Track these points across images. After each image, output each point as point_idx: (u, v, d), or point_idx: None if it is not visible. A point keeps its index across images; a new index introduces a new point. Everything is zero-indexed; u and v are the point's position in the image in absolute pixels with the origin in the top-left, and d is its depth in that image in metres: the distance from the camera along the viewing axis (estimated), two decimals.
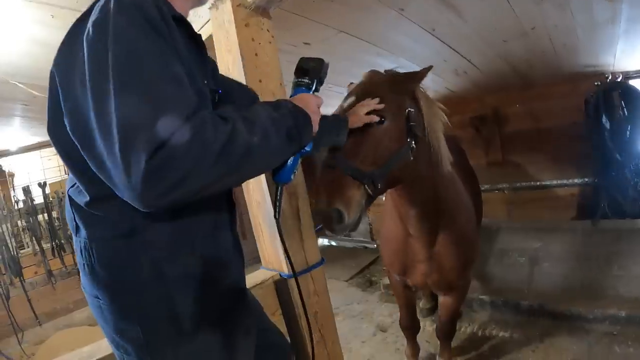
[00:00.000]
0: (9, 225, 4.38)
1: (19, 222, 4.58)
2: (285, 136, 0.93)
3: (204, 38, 1.69)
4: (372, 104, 1.52)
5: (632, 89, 3.74)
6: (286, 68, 3.07)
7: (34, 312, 4.32)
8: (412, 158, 1.60)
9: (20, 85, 2.97)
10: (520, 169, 4.58)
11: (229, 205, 1.09)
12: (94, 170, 0.81)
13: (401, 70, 1.77)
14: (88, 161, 0.82)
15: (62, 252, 4.60)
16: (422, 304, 3.57)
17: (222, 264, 1.03)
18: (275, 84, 1.68)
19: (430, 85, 4.16)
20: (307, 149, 1.09)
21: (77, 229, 0.95)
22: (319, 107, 1.10)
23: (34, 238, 4.53)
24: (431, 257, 2.13)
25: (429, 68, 1.67)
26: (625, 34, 2.93)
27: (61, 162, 4.98)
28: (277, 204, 1.17)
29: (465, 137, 4.76)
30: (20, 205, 4.53)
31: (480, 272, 3.82)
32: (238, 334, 1.05)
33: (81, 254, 0.94)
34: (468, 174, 2.86)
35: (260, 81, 1.61)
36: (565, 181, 4.23)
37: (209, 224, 1.00)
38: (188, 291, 0.94)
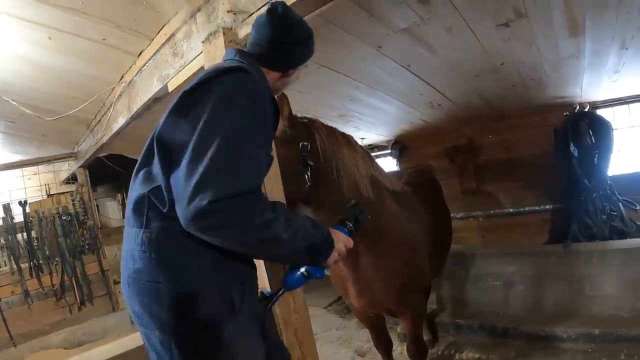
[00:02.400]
0: None
1: None
2: (306, 246, 1.17)
3: (195, 69, 1.86)
4: None
5: (599, 118, 3.98)
6: None
7: (8, 333, 4.23)
8: (309, 183, 1.85)
9: (12, 102, 3.00)
10: (494, 196, 4.77)
11: None
12: (166, 182, 1.08)
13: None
14: (162, 170, 1.09)
15: (40, 273, 4.53)
16: (399, 328, 3.63)
17: (253, 269, 1.26)
18: None
19: (406, 117, 4.35)
20: (319, 275, 1.29)
21: (148, 222, 1.12)
22: (345, 248, 1.33)
23: (12, 257, 4.45)
24: (359, 279, 2.22)
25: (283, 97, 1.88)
26: (591, 67, 3.16)
27: (43, 182, 4.98)
28: (275, 300, 1.34)
29: (440, 167, 4.95)
30: None
31: (456, 297, 3.93)
32: (264, 325, 1.27)
33: (148, 243, 1.11)
34: (432, 202, 2.96)
35: None
36: (536, 207, 4.43)
37: None
38: (238, 281, 1.17)
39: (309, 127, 1.94)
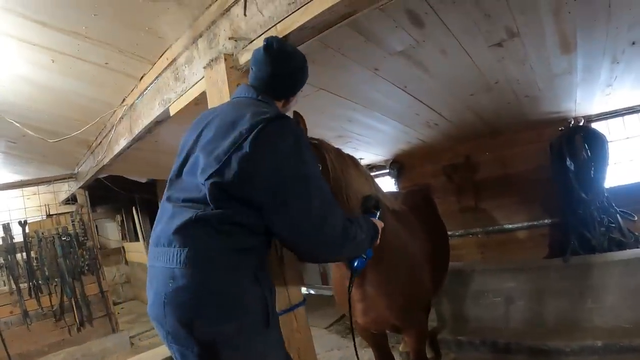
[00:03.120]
0: None
1: None
2: (370, 239, 1.51)
3: (197, 94, 1.92)
4: None
5: (594, 132, 4.03)
6: None
7: (7, 353, 4.22)
8: None
9: (16, 124, 3.02)
10: (492, 213, 4.80)
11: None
12: (272, 220, 1.25)
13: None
14: (269, 216, 1.25)
15: (39, 293, 4.53)
16: (401, 347, 3.61)
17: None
18: None
19: (403, 137, 4.40)
20: (370, 254, 1.63)
21: (192, 241, 1.21)
22: (381, 228, 1.64)
23: (11, 277, 4.45)
24: (363, 297, 2.24)
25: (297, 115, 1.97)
26: (584, 82, 3.22)
27: (42, 202, 4.99)
28: (350, 287, 1.74)
29: (438, 185, 5.01)
30: None
31: (457, 314, 3.92)
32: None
33: (191, 261, 1.19)
34: (429, 220, 3.01)
35: None
36: (535, 222, 4.45)
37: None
38: (271, 294, 1.31)
39: (319, 149, 1.99)
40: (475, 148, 4.76)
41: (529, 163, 4.37)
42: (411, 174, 5.43)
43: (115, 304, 5.17)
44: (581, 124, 4.10)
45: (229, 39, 1.79)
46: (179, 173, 1.35)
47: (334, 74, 2.54)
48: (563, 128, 4.07)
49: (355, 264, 1.58)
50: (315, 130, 2.02)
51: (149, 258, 1.33)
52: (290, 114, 1.58)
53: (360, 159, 5.19)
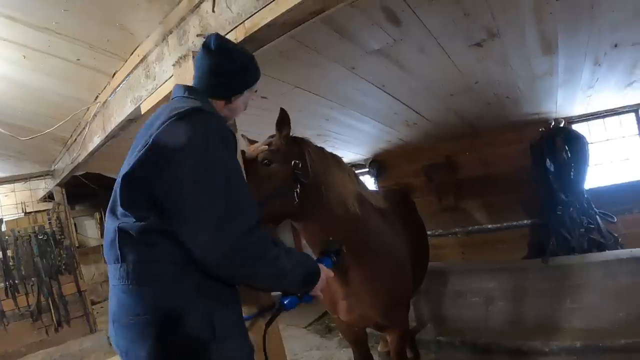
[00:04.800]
0: None
1: None
2: (303, 277, 1.32)
3: (167, 92, 1.86)
4: (262, 147, 1.92)
5: (574, 133, 4.06)
6: (244, 120, 3.19)
7: None
8: (297, 200, 1.87)
9: None
10: (473, 213, 4.81)
11: None
12: (176, 227, 1.12)
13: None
14: (171, 221, 1.12)
15: (16, 293, 4.44)
16: (380, 347, 3.60)
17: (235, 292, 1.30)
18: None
19: (383, 136, 4.38)
20: (308, 299, 1.43)
21: (123, 256, 1.16)
22: (326, 278, 1.46)
23: None
24: (348, 294, 2.25)
25: (282, 112, 1.91)
26: (565, 83, 3.23)
27: (19, 200, 4.88)
28: (273, 319, 1.48)
29: (418, 184, 5.00)
30: None
31: (437, 314, 3.91)
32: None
33: (126, 277, 1.14)
34: (409, 219, 3.00)
35: None
36: (515, 223, 4.48)
37: None
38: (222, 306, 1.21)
39: (301, 145, 1.99)
40: (456, 148, 4.76)
41: (510, 164, 4.39)
42: (391, 173, 5.42)
43: (94, 303, 5.09)
44: (562, 125, 4.13)
45: (198, 35, 1.75)
46: None
47: (310, 72, 2.51)
48: (543, 129, 4.09)
49: (286, 302, 1.39)
50: (294, 128, 2.03)
51: None
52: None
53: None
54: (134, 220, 1.15)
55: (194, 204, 1.11)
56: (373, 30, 2.09)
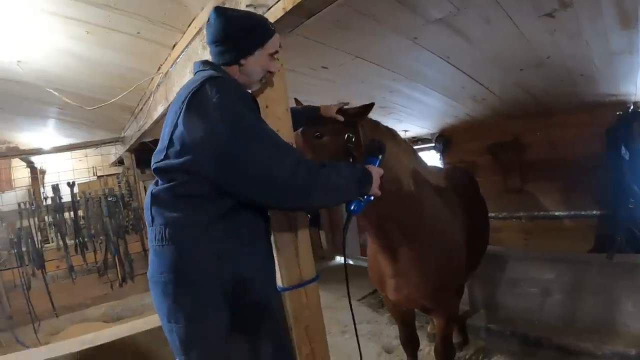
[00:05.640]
0: (36, 219, 4.62)
1: (46, 217, 4.80)
2: (355, 183, 1.42)
3: None
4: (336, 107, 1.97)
5: None
6: (306, 90, 3.16)
7: (52, 304, 4.54)
8: None
9: (54, 93, 3.18)
10: (538, 197, 4.49)
11: (265, 221, 1.46)
12: (226, 182, 1.23)
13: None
14: (221, 180, 1.23)
15: (85, 250, 4.80)
16: (429, 328, 3.55)
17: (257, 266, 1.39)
18: (282, 110, 1.74)
19: (450, 111, 4.18)
20: (369, 198, 1.55)
21: (153, 218, 1.30)
22: (379, 176, 1.56)
23: (59, 234, 4.75)
24: (397, 273, 2.22)
25: (370, 107, 1.95)
26: None
27: (91, 165, 5.25)
28: (345, 228, 1.62)
29: (482, 163, 4.75)
30: (49, 202, 4.76)
31: (491, 300, 3.78)
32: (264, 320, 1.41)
33: (154, 238, 1.29)
34: (470, 199, 2.90)
35: (267, 107, 1.68)
36: (582, 212, 4.12)
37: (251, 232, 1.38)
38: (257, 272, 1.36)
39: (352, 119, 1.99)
40: (523, 127, 4.42)
41: (581, 147, 4.00)
42: (457, 150, 5.16)
43: None
44: None
45: (247, 6, 1.72)
46: None
47: (370, 42, 2.42)
48: (621, 113, 3.70)
49: (352, 207, 1.53)
50: (357, 100, 2.00)
51: None
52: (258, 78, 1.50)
53: (405, 131, 5.05)
54: (163, 185, 1.29)
55: (240, 165, 1.21)
56: None
